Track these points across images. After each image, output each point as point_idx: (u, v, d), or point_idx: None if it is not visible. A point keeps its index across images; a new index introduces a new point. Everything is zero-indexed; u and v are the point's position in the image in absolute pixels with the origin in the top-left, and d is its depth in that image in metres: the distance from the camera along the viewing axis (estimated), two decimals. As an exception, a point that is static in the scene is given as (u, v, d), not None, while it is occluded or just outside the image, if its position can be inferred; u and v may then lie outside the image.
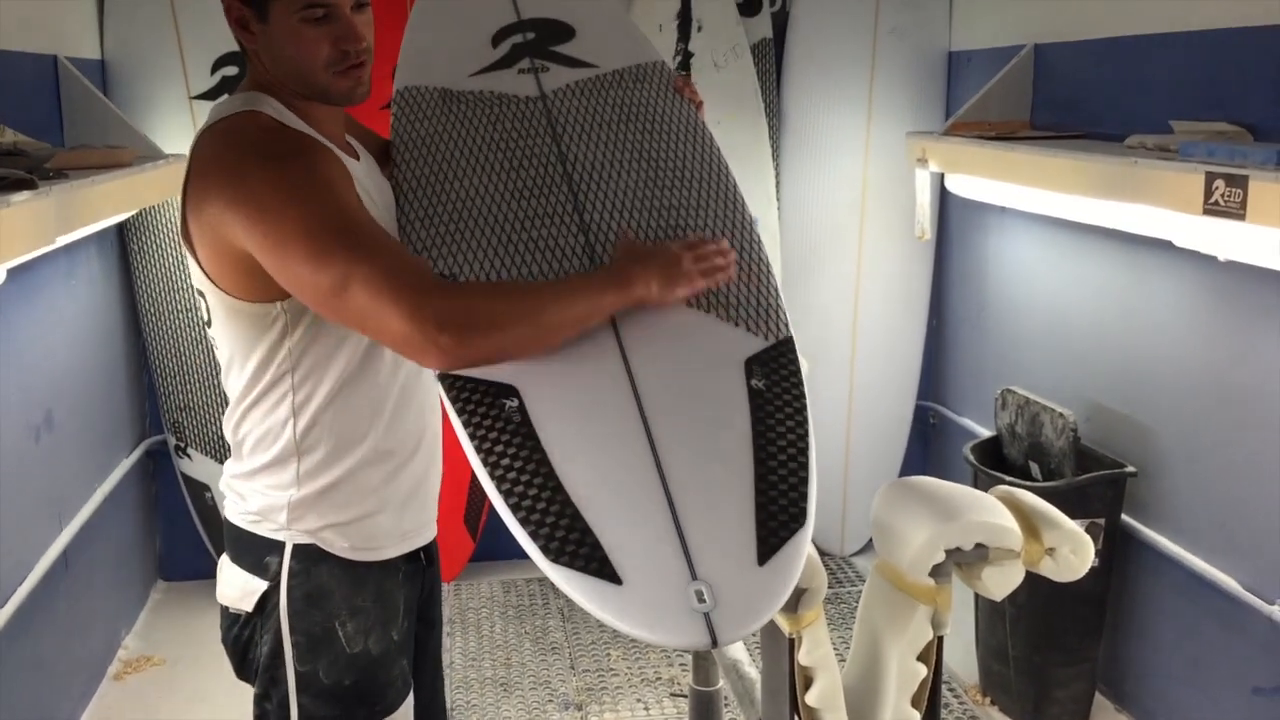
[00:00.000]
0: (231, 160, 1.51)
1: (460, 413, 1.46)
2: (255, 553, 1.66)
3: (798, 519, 1.38)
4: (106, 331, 3.43)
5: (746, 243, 1.68)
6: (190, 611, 3.70)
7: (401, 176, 1.72)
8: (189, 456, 3.64)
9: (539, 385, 1.48)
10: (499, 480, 1.41)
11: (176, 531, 3.82)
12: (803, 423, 1.48)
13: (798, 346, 1.59)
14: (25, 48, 2.86)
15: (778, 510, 1.39)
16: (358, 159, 1.69)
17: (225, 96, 1.68)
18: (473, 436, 1.44)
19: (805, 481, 1.42)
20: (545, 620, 3.63)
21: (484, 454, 1.43)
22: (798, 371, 1.54)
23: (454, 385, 1.49)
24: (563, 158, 1.75)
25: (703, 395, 1.51)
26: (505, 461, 1.42)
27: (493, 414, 1.45)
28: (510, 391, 1.47)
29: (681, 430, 1.46)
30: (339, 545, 1.65)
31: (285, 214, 1.44)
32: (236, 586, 1.68)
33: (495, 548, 3.81)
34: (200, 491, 3.66)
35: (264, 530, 1.66)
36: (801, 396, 1.51)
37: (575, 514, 1.37)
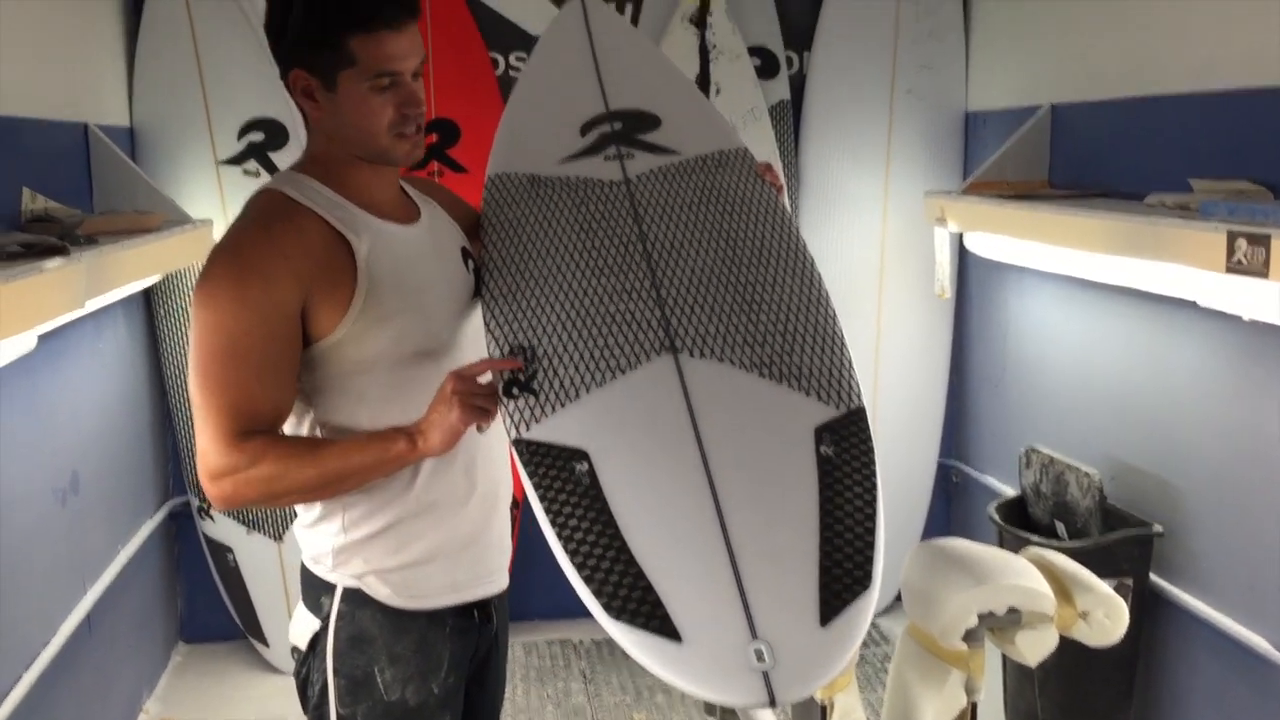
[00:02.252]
0: (219, 245, 1.64)
1: (531, 475, 1.52)
2: (314, 593, 1.74)
3: (862, 582, 1.40)
4: (132, 393, 3.45)
5: (821, 315, 1.72)
6: (211, 674, 3.69)
7: (489, 257, 1.80)
8: (212, 518, 3.65)
9: (609, 450, 1.53)
10: (566, 540, 1.44)
11: (198, 593, 3.82)
12: (871, 489, 1.51)
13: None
14: (57, 116, 2.92)
15: (842, 573, 1.41)
16: (414, 219, 1.77)
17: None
18: (542, 498, 1.49)
19: (871, 546, 1.44)
20: (568, 683, 3.59)
21: (552, 514, 1.47)
22: (868, 440, 1.57)
23: (526, 449, 1.54)
24: (643, 237, 1.81)
25: (771, 459, 1.54)
26: (573, 522, 1.46)
27: (563, 476, 1.50)
28: (581, 455, 1.52)
29: (747, 492, 1.48)
30: (381, 591, 1.70)
31: (209, 318, 1.58)
32: (300, 624, 1.75)
33: (515, 609, 3.78)
34: (223, 553, 3.66)
35: (320, 571, 1.73)
36: (871, 464, 1.54)
37: (639, 572, 1.40)
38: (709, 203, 1.88)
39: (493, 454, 1.77)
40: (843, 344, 1.69)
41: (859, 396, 1.62)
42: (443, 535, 1.72)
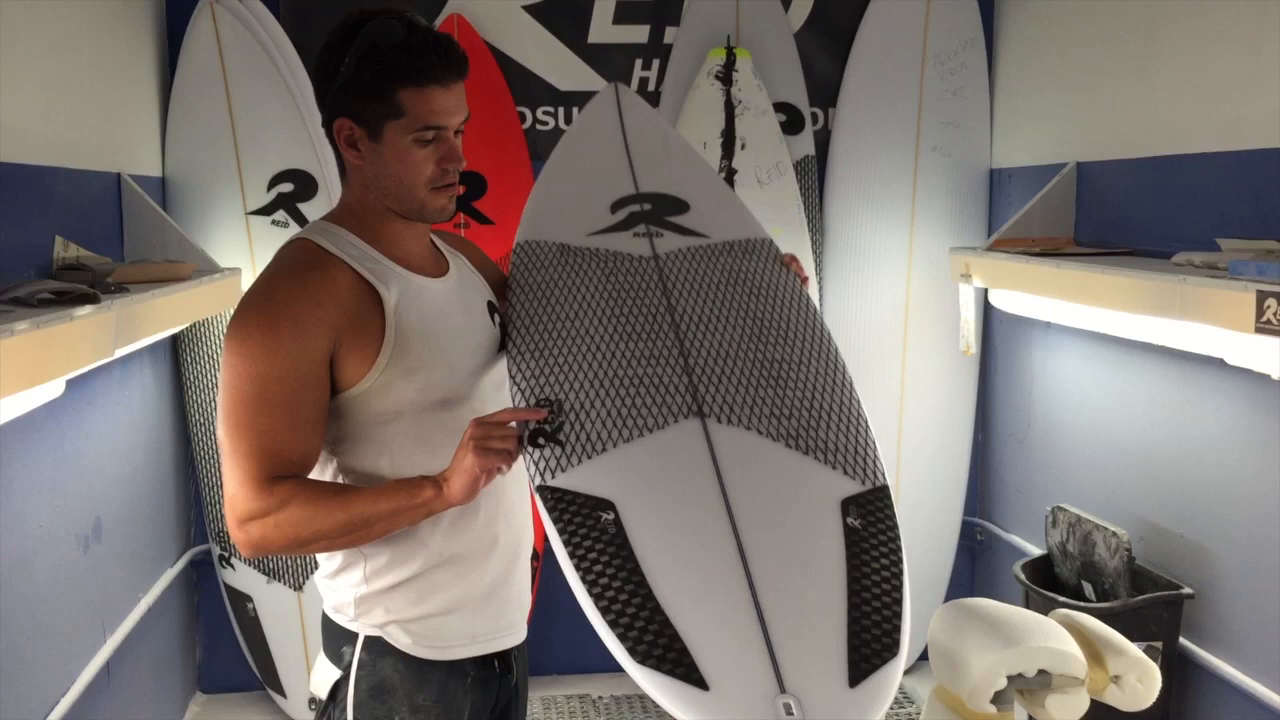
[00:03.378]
0: (251, 291, 1.66)
1: (555, 521, 1.52)
2: (335, 642, 1.74)
3: (890, 649, 1.41)
4: (156, 441, 3.46)
5: (846, 399, 1.75)
6: (228, 725, 3.66)
7: (516, 315, 1.82)
8: (232, 567, 3.64)
9: (636, 502, 1.53)
10: (590, 585, 1.44)
11: (217, 643, 3.81)
12: (897, 561, 1.51)
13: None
14: (91, 166, 2.96)
15: (870, 639, 1.41)
16: (443, 272, 1.79)
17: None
18: (567, 543, 1.49)
19: (899, 615, 1.45)
20: (586, 739, 3.56)
21: (576, 559, 1.47)
22: (893, 516, 1.58)
23: (550, 496, 1.54)
24: (671, 309, 1.83)
25: (797, 523, 1.54)
26: (598, 568, 1.46)
27: (588, 524, 1.50)
28: (607, 505, 1.52)
29: (774, 551, 1.49)
30: (402, 641, 1.70)
31: (241, 364, 1.59)
32: (320, 674, 1.75)
33: (534, 663, 3.75)
34: (242, 602, 3.65)
35: (342, 621, 1.73)
36: (897, 539, 1.55)
37: (665, 620, 1.40)
38: (736, 284, 1.92)
39: (515, 506, 1.78)
40: (867, 426, 1.71)
41: (883, 475, 1.65)
42: (464, 587, 1.72)
